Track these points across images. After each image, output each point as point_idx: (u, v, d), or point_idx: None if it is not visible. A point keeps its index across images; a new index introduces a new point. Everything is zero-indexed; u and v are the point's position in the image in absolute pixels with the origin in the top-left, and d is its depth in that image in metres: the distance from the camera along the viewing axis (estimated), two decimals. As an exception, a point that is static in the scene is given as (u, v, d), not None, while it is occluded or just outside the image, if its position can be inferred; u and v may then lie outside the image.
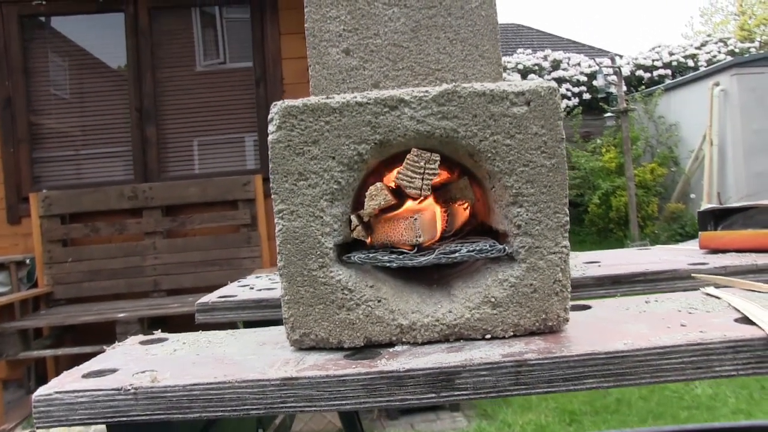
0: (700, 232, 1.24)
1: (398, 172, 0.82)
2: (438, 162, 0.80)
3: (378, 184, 0.82)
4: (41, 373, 4.60)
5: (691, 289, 1.05)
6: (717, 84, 9.61)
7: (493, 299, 0.81)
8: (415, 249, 0.85)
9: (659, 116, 10.84)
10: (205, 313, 1.23)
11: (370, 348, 0.84)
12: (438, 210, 0.89)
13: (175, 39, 5.15)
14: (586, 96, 12.69)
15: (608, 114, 10.95)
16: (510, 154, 0.79)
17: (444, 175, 0.90)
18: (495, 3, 0.95)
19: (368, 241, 0.87)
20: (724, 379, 3.64)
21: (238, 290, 1.34)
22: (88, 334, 4.23)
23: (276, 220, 0.85)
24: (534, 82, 0.79)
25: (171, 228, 4.83)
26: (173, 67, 5.10)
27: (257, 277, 1.50)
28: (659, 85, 11.53)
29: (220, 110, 5.17)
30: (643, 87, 12.65)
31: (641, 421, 3.76)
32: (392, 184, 0.85)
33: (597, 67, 11.23)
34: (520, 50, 14.13)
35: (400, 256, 0.82)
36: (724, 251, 1.22)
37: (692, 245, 1.35)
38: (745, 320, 0.80)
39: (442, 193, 0.90)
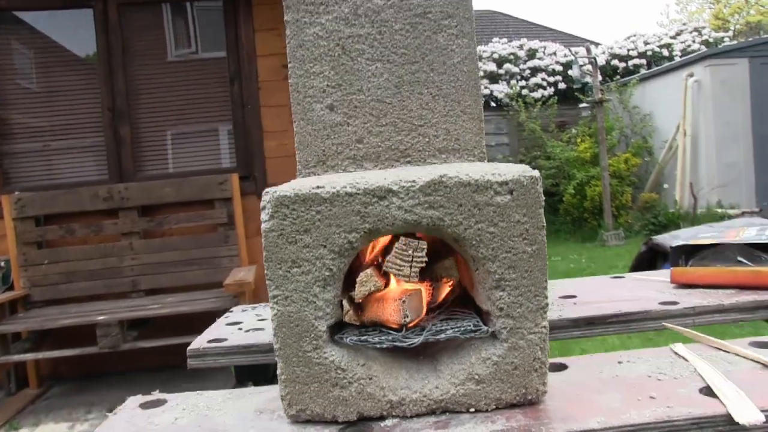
0: (671, 267, 1.28)
1: (387, 261, 0.83)
2: (425, 250, 0.82)
3: (368, 271, 0.84)
4: (22, 375, 4.58)
5: (660, 331, 1.08)
6: (691, 75, 9.72)
7: (476, 376, 0.83)
8: (403, 328, 0.87)
9: (634, 106, 10.94)
10: (197, 359, 1.24)
11: (362, 422, 0.86)
12: (424, 288, 0.91)
13: (146, 33, 5.09)
14: (562, 85, 12.76)
15: (583, 104, 11.03)
16: (493, 242, 0.81)
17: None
18: (476, 58, 0.96)
19: (358, 322, 0.89)
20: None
21: (226, 330, 1.35)
22: (67, 336, 4.20)
23: (271, 305, 0.86)
24: (517, 170, 0.80)
25: (148, 228, 4.81)
26: (145, 64, 5.04)
27: (243, 311, 1.51)
28: (634, 75, 11.63)
29: (194, 106, 5.14)
30: (618, 77, 12.75)
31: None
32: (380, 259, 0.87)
33: (573, 57, 11.29)
34: (495, 39, 14.14)
35: (390, 337, 0.84)
36: (694, 286, 1.26)
37: (664, 276, 1.38)
38: (709, 391, 0.83)
39: (428, 272, 0.92)
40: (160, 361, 4.69)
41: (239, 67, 5.01)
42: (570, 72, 12.13)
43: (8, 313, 4.33)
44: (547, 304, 0.84)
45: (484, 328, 0.84)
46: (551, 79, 12.89)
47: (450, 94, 0.97)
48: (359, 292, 0.83)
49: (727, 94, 9.45)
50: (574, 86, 11.70)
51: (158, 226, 4.81)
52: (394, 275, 0.83)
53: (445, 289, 0.95)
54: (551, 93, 12.48)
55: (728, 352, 1.00)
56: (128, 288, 4.72)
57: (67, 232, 4.70)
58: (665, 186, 10.29)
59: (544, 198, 0.78)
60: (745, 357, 0.97)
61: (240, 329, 1.31)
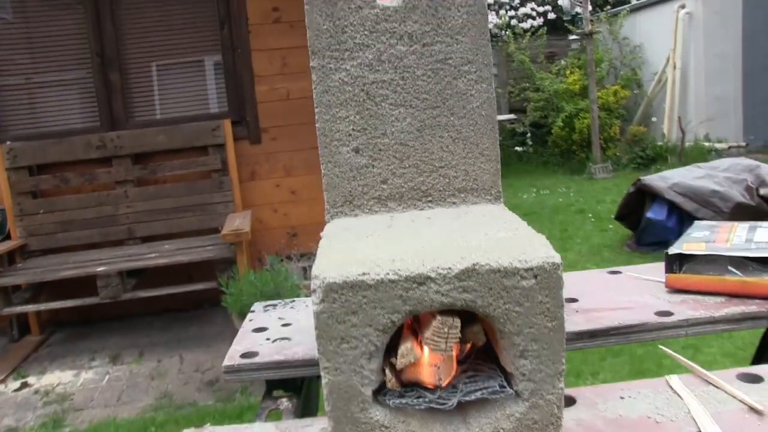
0: (666, 274, 1.36)
1: (426, 338, 0.89)
2: (459, 327, 0.89)
3: (408, 345, 0.90)
4: (23, 321, 4.67)
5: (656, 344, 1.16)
6: (683, 6, 9.61)
7: (501, 430, 0.91)
8: (438, 389, 0.94)
9: (624, 37, 10.84)
10: (232, 374, 1.32)
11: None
12: (454, 349, 0.97)
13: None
14: (551, 16, 12.58)
15: (573, 36, 10.91)
16: (519, 319, 0.88)
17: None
18: (494, 102, 0.99)
19: (399, 387, 0.96)
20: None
21: (255, 340, 1.40)
22: (67, 285, 4.26)
23: (323, 374, 0.93)
24: (541, 255, 0.86)
25: (141, 176, 4.82)
26: (133, 8, 4.93)
27: (265, 310, 1.55)
28: (625, 6, 11.47)
29: (184, 51, 5.08)
30: (609, 7, 12.56)
31: (601, 357, 4.00)
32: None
33: (563, -14, 11.11)
34: (485, -35, 13.79)
35: (427, 399, 0.91)
36: (686, 292, 1.34)
37: (658, 275, 1.45)
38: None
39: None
40: (157, 306, 4.80)
41: (228, 11, 4.93)
42: (560, 2, 11.96)
43: (7, 264, 4.38)
44: (564, 370, 0.91)
45: (509, 390, 0.92)
46: (541, 9, 12.70)
47: (469, 137, 1.01)
48: (401, 363, 0.90)
49: (719, 26, 9.38)
50: (564, 17, 11.55)
51: (152, 174, 4.83)
52: (432, 350, 0.90)
53: (471, 346, 1.02)
54: (540, 23, 12.31)
55: (719, 387, 1.08)
56: (124, 236, 4.77)
57: (62, 182, 4.71)
58: (654, 119, 10.32)
59: (562, 280, 0.85)
60: (734, 396, 1.05)
61: (268, 339, 1.38)
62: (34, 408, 3.69)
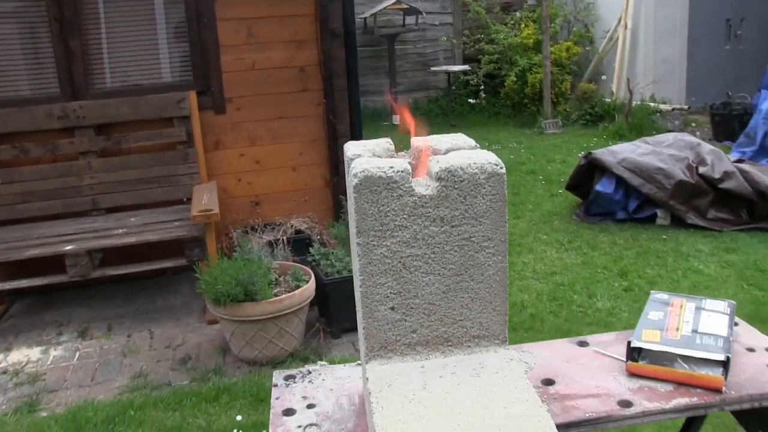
0: (627, 361, 1.59)
1: None
2: None
3: None
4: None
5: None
6: (636, -35, 9.74)
7: None
8: None
9: (578, -8, 10.96)
10: None
11: None
12: None
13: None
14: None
15: (529, -11, 10.96)
16: None
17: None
18: (506, 270, 1.16)
19: None
20: (622, 294, 4.14)
21: (287, 428, 1.47)
22: (33, 261, 4.27)
23: None
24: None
25: (105, 147, 4.82)
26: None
27: (287, 384, 1.62)
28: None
29: (148, 18, 5.01)
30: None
31: (551, 337, 4.28)
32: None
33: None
34: None
35: None
36: (643, 377, 1.57)
37: (620, 354, 1.66)
38: None
39: None
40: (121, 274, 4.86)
41: (193, -21, 4.86)
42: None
43: (-33, 236, 4.37)
44: None
45: None
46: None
47: (485, 297, 1.18)
48: None
49: (670, -14, 9.57)
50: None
51: (116, 145, 4.83)
52: None
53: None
54: (497, -29, 12.24)
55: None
56: (88, 206, 4.79)
57: (21, 152, 4.67)
58: (603, 77, 10.56)
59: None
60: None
61: (299, 427, 1.45)
62: (4, 390, 3.76)
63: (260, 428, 3.36)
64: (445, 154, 1.26)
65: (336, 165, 5.24)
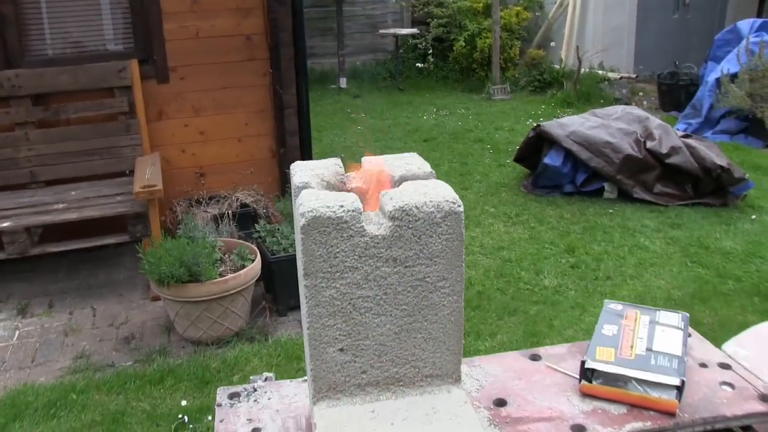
0: (581, 382, 1.58)
1: None
2: None
3: None
4: None
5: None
6: (588, -70, 9.70)
7: None
8: None
9: (529, -45, 10.88)
10: None
11: None
12: None
13: None
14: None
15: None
16: None
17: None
18: (462, 310, 1.13)
19: None
20: (569, 271, 4.17)
21: None
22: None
23: None
24: None
25: (43, 118, 4.61)
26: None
27: (231, 405, 1.56)
28: None
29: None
30: None
31: (498, 316, 4.30)
32: None
33: None
34: None
35: None
36: (596, 398, 1.57)
37: (573, 371, 1.65)
38: None
39: None
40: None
41: (134, -59, 4.63)
42: None
43: None
44: None
45: None
46: None
47: (438, 337, 1.15)
48: None
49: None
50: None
51: (54, 116, 4.63)
52: None
53: None
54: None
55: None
56: (26, 179, 4.60)
57: (-47, 122, 4.44)
58: (552, 44, 10.57)
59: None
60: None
61: None
62: (-61, 372, 3.65)
63: (205, 412, 3.32)
64: (397, 182, 1.21)
65: (283, 136, 5.14)
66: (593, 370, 1.56)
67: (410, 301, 1.08)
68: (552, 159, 6.07)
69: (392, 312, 1.08)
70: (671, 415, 1.51)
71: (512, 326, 4.16)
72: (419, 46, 11.11)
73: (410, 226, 1.02)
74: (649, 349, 1.63)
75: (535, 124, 6.52)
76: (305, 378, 1.60)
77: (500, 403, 1.53)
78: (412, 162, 1.24)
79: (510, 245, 5.28)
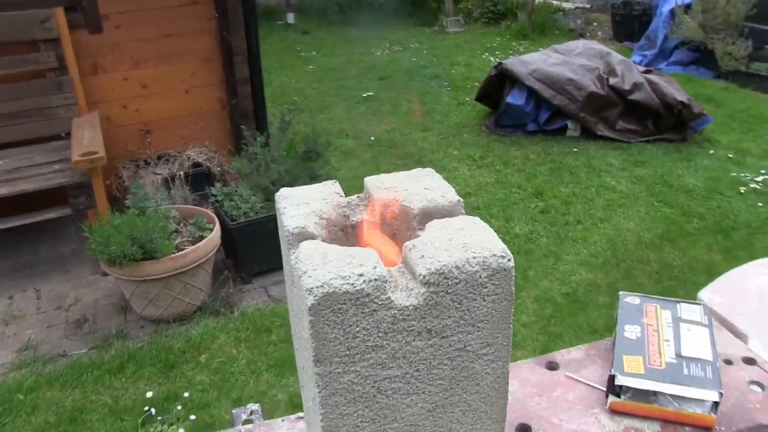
0: (610, 398, 1.42)
1: None
2: None
3: None
4: None
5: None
6: None
7: None
8: None
9: None
10: None
11: None
12: None
13: None
14: None
15: None
16: None
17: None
18: (507, 374, 0.92)
19: None
20: (539, 216, 4.03)
21: None
22: None
23: None
24: None
25: (-42, 77, 4.15)
26: None
27: None
28: None
29: None
30: None
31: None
32: None
33: None
34: None
35: None
36: (626, 414, 1.41)
37: (598, 383, 1.49)
38: None
39: None
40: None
41: None
42: None
43: None
44: None
45: None
46: None
47: (479, 408, 0.94)
48: None
49: None
50: None
51: (-29, 74, 4.17)
52: None
53: None
54: None
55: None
56: (-51, 146, 4.18)
57: None
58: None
59: None
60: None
61: None
62: None
63: (173, 401, 3.10)
64: (418, 217, 0.96)
65: (233, 85, 4.79)
66: (622, 386, 1.39)
67: (447, 375, 0.86)
68: (514, 98, 5.86)
69: (425, 389, 0.86)
70: (707, 429, 1.36)
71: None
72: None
73: (449, 291, 0.80)
74: (678, 355, 1.46)
75: (496, 62, 6.28)
76: (299, 414, 1.38)
77: (524, 429, 1.34)
78: (432, 185, 1.00)
79: (477, 191, 5.10)
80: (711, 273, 3.87)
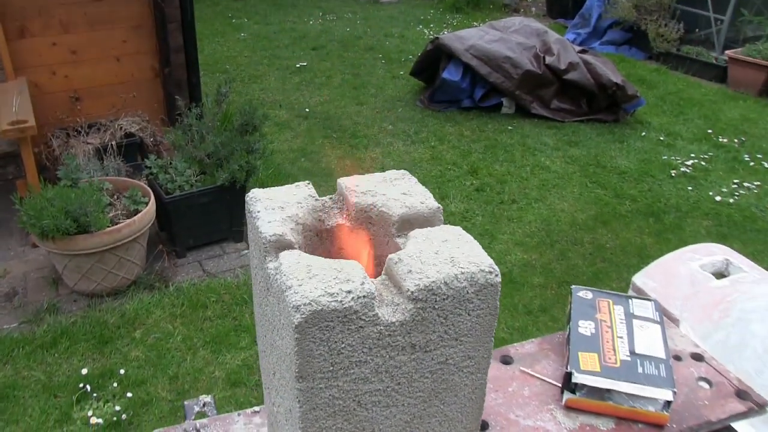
0: (566, 395, 1.47)
1: None
2: None
3: None
4: None
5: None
6: None
7: None
8: None
9: None
10: None
11: None
12: None
13: None
14: None
15: None
16: None
17: None
18: (485, 385, 0.94)
19: None
20: (474, 195, 4.09)
21: None
22: None
23: None
24: None
25: None
26: None
27: None
28: None
29: None
30: None
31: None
32: None
33: None
34: None
35: None
36: (581, 411, 1.46)
37: (554, 379, 1.54)
38: None
39: None
40: None
41: None
42: None
43: None
44: None
45: None
46: None
47: (455, 418, 0.96)
48: None
49: None
50: None
51: None
52: None
53: None
54: None
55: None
56: None
57: None
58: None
59: None
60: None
61: None
62: None
63: (108, 377, 3.05)
64: (397, 224, 0.97)
65: (167, 54, 4.65)
66: (578, 384, 1.44)
67: (427, 387, 0.88)
68: (450, 73, 5.89)
69: (405, 401, 0.88)
70: (660, 427, 1.43)
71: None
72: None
73: (436, 306, 0.81)
74: (633, 353, 1.52)
75: (432, 36, 6.28)
76: (255, 408, 1.38)
77: (482, 426, 1.38)
78: (410, 190, 1.00)
79: (412, 167, 5.13)
80: (642, 256, 4.02)
